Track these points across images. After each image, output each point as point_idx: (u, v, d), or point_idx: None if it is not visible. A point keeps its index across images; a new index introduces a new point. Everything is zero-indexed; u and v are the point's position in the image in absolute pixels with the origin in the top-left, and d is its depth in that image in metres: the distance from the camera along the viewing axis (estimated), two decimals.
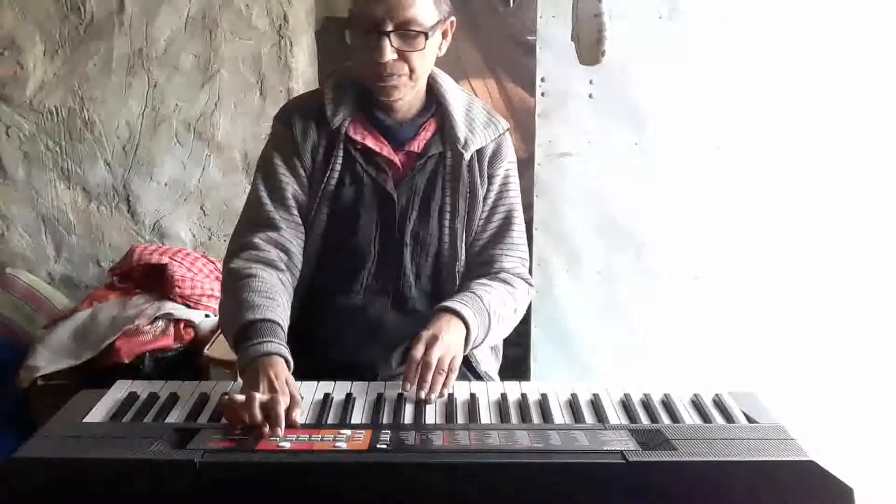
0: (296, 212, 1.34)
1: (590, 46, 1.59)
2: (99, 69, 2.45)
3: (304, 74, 2.49)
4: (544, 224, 2.15)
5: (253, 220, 1.33)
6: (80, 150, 2.51)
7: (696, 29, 2.02)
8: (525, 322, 2.21)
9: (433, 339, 1.17)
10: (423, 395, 1.11)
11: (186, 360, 2.05)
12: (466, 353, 1.26)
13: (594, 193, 2.13)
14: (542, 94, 2.09)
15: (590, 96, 2.07)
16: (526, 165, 2.35)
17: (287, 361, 1.11)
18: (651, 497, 0.89)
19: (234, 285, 1.23)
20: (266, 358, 1.09)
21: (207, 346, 1.98)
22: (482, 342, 1.30)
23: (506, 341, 1.48)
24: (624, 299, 2.18)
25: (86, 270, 2.60)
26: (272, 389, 1.03)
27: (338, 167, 1.33)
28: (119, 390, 1.14)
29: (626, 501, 0.90)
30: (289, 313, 1.23)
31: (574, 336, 2.21)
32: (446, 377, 1.15)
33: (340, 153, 1.33)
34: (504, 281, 1.38)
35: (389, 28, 1.20)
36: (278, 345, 1.12)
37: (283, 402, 1.01)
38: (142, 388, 1.14)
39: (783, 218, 2.10)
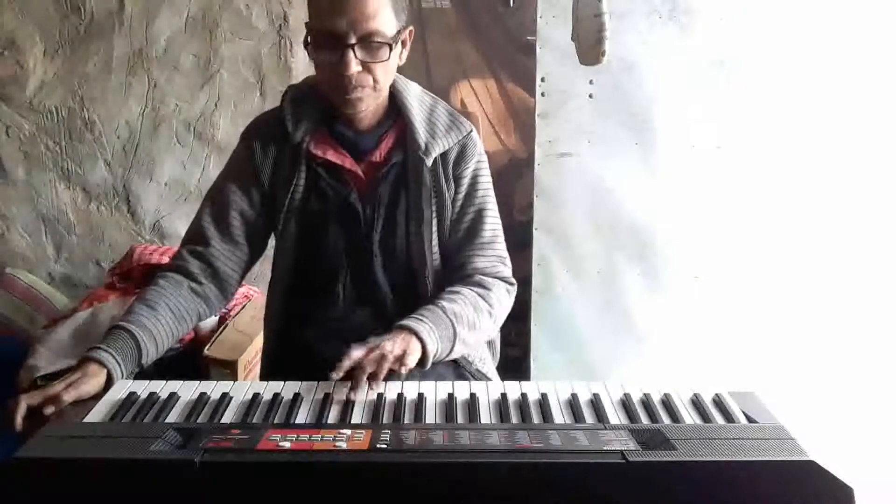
0: (237, 230, 1.39)
1: (590, 46, 1.58)
2: (99, 69, 2.45)
3: (304, 74, 2.48)
4: (544, 224, 2.15)
5: (188, 234, 1.42)
6: (80, 150, 2.51)
7: (696, 29, 2.02)
8: (525, 322, 2.22)
9: (375, 346, 1.17)
10: (352, 396, 1.11)
11: (186, 360, 2.05)
12: (432, 364, 1.25)
13: (594, 193, 2.12)
14: (542, 94, 2.08)
15: (590, 96, 2.07)
16: (526, 165, 2.36)
17: (106, 364, 1.16)
18: (651, 497, 0.89)
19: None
20: (84, 360, 1.17)
21: (207, 346, 1.99)
22: (451, 351, 1.29)
23: (506, 341, 1.48)
24: (624, 299, 2.18)
25: (86, 270, 2.60)
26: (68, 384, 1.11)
27: (302, 182, 1.36)
28: (119, 390, 1.14)
29: (626, 501, 0.90)
30: (169, 321, 1.29)
31: (574, 336, 2.21)
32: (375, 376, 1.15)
33: (303, 168, 1.36)
34: (478, 284, 1.38)
35: (353, 41, 1.21)
36: (103, 351, 1.18)
37: (39, 397, 1.08)
38: (142, 388, 1.14)
39: (783, 218, 2.10)
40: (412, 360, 1.20)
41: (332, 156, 1.35)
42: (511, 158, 2.65)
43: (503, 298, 1.41)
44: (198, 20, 2.43)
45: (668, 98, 2.06)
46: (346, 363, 1.14)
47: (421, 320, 1.25)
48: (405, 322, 1.25)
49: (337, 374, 1.13)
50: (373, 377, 1.14)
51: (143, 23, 2.42)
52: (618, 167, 2.11)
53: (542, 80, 2.08)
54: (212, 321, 2.18)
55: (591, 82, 2.06)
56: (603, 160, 2.10)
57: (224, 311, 2.00)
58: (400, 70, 1.36)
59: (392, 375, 1.17)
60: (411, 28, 1.33)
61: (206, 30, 2.43)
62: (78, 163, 2.52)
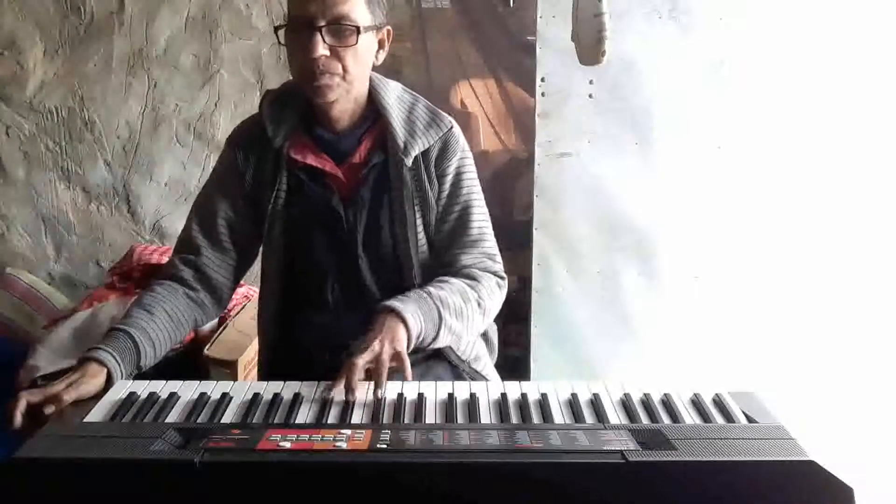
0: (225, 237, 1.39)
1: (590, 46, 1.58)
2: (99, 69, 2.45)
3: None
4: (544, 224, 2.15)
5: (179, 243, 1.42)
6: (80, 150, 2.51)
7: (696, 29, 2.02)
8: (525, 322, 2.22)
9: (363, 350, 1.16)
10: (350, 396, 1.10)
11: (186, 360, 2.05)
12: (416, 346, 1.25)
13: (594, 193, 2.12)
14: (542, 94, 2.09)
15: (590, 96, 2.07)
16: (526, 165, 2.35)
17: (106, 364, 1.16)
18: (651, 497, 0.89)
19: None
20: (84, 360, 1.17)
21: (207, 346, 1.99)
22: (437, 337, 1.28)
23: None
24: (624, 299, 2.18)
25: (86, 270, 2.60)
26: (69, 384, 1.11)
27: (283, 187, 1.36)
28: (119, 390, 1.14)
29: (626, 501, 0.90)
30: (166, 325, 1.30)
31: (574, 336, 2.21)
32: (387, 369, 1.14)
33: (284, 173, 1.35)
34: (466, 276, 1.38)
35: (322, 23, 1.22)
36: (103, 351, 1.18)
37: (39, 396, 1.08)
38: (142, 387, 1.14)
39: (783, 218, 2.10)
40: (402, 348, 1.19)
41: (311, 160, 1.34)
42: (511, 158, 2.65)
43: (493, 291, 1.40)
44: (198, 20, 2.43)
45: (668, 98, 2.06)
46: (349, 375, 1.13)
47: (405, 301, 1.25)
48: (389, 302, 1.24)
49: (346, 394, 1.12)
50: (375, 379, 1.13)
51: (143, 23, 2.42)
52: (618, 167, 2.10)
53: (542, 80, 2.08)
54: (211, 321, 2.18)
55: (591, 82, 2.06)
56: (603, 160, 2.10)
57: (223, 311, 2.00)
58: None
59: (394, 375, 1.17)
60: (389, 29, 1.33)
61: (206, 30, 2.43)
62: (78, 163, 2.52)
